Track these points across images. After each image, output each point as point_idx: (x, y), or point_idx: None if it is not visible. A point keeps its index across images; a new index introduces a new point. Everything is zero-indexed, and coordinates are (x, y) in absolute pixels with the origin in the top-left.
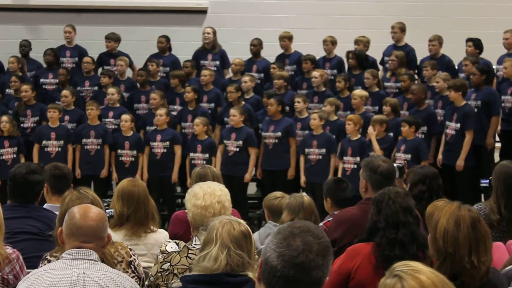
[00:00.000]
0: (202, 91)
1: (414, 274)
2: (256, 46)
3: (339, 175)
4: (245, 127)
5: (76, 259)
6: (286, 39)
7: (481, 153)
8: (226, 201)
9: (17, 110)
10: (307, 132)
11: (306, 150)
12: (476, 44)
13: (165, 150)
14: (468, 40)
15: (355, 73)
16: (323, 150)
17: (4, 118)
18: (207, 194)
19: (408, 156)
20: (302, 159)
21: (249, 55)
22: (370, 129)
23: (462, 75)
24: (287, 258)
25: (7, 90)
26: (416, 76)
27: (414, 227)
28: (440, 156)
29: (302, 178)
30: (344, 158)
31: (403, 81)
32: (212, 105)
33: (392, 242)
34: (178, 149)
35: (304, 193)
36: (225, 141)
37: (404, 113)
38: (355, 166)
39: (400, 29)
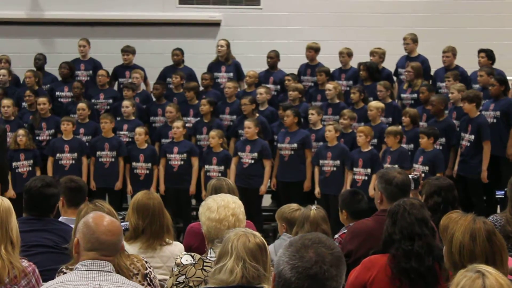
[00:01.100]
0: (225, 103)
1: (497, 277)
2: (273, 58)
3: (348, 186)
4: (259, 139)
5: (91, 270)
6: (312, 50)
7: (500, 164)
8: (240, 214)
9: (32, 123)
10: (321, 143)
11: (321, 161)
12: (489, 55)
13: (182, 163)
14: (481, 51)
15: (366, 85)
16: (338, 162)
17: (21, 131)
18: (221, 207)
19: (426, 168)
20: (316, 170)
21: (263, 67)
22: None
23: (476, 86)
24: (300, 270)
25: (23, 104)
26: None
27: (430, 239)
28: (455, 167)
29: (317, 190)
30: (355, 169)
31: (422, 93)
32: (234, 117)
33: (408, 254)
34: (195, 161)
35: (314, 206)
36: (239, 153)
37: (422, 124)
38: (366, 178)
39: (412, 40)
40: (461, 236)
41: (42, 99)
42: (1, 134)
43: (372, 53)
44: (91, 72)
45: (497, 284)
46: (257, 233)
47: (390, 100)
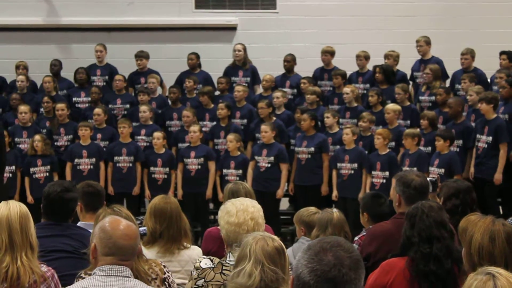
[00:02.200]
0: (235, 107)
1: (508, 278)
2: (290, 62)
3: (367, 189)
4: (276, 143)
5: (109, 276)
6: (328, 53)
7: None
8: (259, 218)
9: (50, 129)
10: (338, 147)
11: (338, 164)
12: (510, 57)
13: (199, 167)
14: (502, 53)
15: (382, 88)
16: (355, 165)
17: (37, 137)
18: (240, 211)
19: (442, 170)
20: (334, 173)
21: (279, 71)
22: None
23: (495, 87)
24: (319, 273)
25: (40, 110)
26: None
27: (449, 241)
28: (472, 169)
29: (334, 193)
30: (373, 172)
31: (439, 95)
32: (245, 121)
33: (426, 256)
34: (212, 166)
35: (335, 209)
36: (256, 157)
37: (439, 127)
38: (384, 181)
39: (425, 43)
40: (480, 237)
41: (60, 105)
42: None
43: (386, 56)
44: (107, 77)
45: (508, 284)
46: (275, 237)
47: (408, 103)
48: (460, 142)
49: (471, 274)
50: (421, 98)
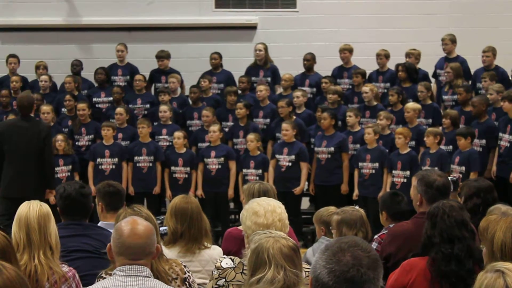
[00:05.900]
0: (258, 106)
1: None
2: (310, 60)
3: (388, 188)
4: (297, 142)
5: (129, 276)
6: (346, 51)
7: None
8: (286, 219)
9: (72, 129)
10: (358, 146)
11: (360, 164)
12: None
13: (220, 166)
14: None
15: (404, 86)
16: (376, 164)
17: (59, 137)
18: (268, 212)
19: (463, 168)
20: (356, 172)
21: (299, 70)
22: None
23: None
24: (338, 273)
25: (62, 109)
26: None
27: (470, 241)
28: (494, 168)
29: (355, 192)
30: (394, 171)
31: (460, 94)
32: (268, 120)
33: (447, 257)
34: (233, 165)
35: (357, 206)
36: (277, 156)
37: (462, 126)
38: (405, 180)
39: (451, 41)
40: (503, 235)
41: (81, 105)
42: (48, 131)
43: (408, 54)
44: (128, 77)
45: None
46: (284, 234)
47: (430, 102)
48: (483, 141)
49: (481, 272)
50: (444, 97)
